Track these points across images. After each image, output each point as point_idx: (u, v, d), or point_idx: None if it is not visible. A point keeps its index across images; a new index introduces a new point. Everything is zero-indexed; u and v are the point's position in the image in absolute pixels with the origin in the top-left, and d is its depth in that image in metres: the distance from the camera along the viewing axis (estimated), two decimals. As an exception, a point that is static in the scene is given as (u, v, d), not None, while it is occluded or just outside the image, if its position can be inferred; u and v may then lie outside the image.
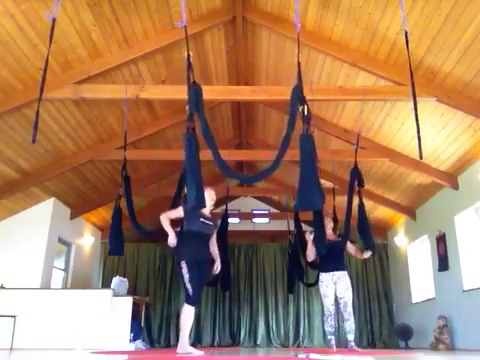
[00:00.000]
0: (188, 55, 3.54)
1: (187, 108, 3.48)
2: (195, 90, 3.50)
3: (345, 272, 5.41)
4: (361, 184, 5.06)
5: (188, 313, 4.04)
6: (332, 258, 5.37)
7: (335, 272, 5.34)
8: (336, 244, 5.39)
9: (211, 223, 4.27)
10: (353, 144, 5.55)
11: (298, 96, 3.35)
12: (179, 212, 4.19)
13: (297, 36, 3.42)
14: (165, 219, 4.13)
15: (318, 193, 3.13)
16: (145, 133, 6.84)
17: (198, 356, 3.67)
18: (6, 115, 5.27)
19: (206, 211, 4.25)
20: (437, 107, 5.41)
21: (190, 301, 4.03)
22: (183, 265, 4.03)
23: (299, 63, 3.39)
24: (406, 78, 4.10)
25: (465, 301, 6.42)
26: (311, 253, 5.48)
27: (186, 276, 3.99)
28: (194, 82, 3.53)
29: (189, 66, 3.56)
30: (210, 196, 4.28)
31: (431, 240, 7.59)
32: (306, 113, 3.30)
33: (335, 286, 5.33)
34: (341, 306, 5.35)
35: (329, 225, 5.58)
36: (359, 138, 5.23)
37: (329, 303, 5.32)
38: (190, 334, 9.15)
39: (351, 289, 5.37)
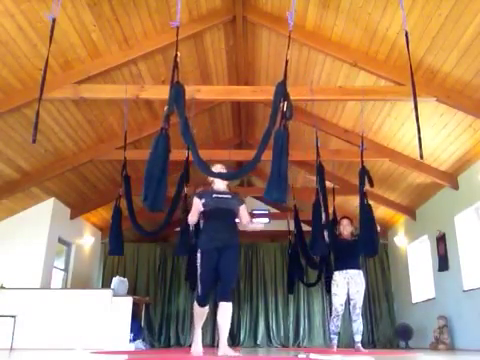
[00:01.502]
0: (175, 55, 3.55)
1: (165, 108, 3.48)
2: (177, 89, 3.52)
3: (359, 271, 5.37)
4: (371, 183, 4.97)
5: (197, 311, 3.71)
6: (346, 257, 5.37)
7: (348, 270, 5.32)
8: (352, 244, 5.39)
9: (228, 196, 3.81)
10: (357, 145, 5.55)
11: (281, 92, 3.36)
12: (197, 205, 3.77)
13: (288, 34, 3.43)
14: (192, 217, 3.77)
15: (283, 190, 3.17)
16: (145, 133, 6.84)
17: (196, 356, 3.62)
18: (6, 115, 5.27)
19: (221, 187, 3.87)
20: (437, 107, 5.41)
21: (198, 300, 3.69)
22: (198, 255, 3.63)
23: (287, 61, 3.41)
24: (406, 78, 4.10)
25: (465, 301, 6.42)
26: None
27: (199, 271, 3.62)
28: (177, 82, 3.54)
29: (175, 66, 3.56)
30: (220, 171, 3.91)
31: (431, 240, 7.59)
32: (285, 109, 3.32)
33: (348, 286, 5.31)
34: (350, 307, 5.35)
35: (347, 228, 5.55)
36: (363, 139, 5.19)
37: (338, 303, 5.30)
38: (189, 333, 9.28)
39: (363, 291, 5.35)
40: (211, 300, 3.87)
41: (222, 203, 3.75)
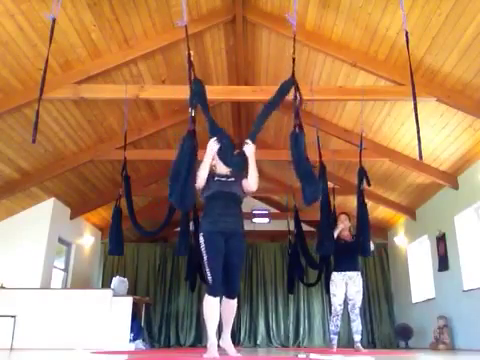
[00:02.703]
0: (189, 54, 3.53)
1: (190, 109, 3.46)
2: (197, 83, 3.49)
3: (358, 273, 5.39)
4: (368, 183, 4.97)
5: (208, 306, 3.24)
6: (346, 258, 5.37)
7: (347, 272, 5.34)
8: (351, 244, 5.39)
9: (231, 179, 3.49)
10: (356, 145, 5.54)
11: (288, 88, 3.40)
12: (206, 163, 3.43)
13: (293, 34, 3.45)
14: (202, 170, 3.41)
15: (319, 185, 3.20)
16: (145, 133, 6.85)
17: (195, 357, 3.55)
18: (6, 115, 5.28)
19: (223, 170, 3.54)
20: (437, 107, 5.41)
21: (210, 290, 3.24)
22: (201, 240, 3.30)
23: (294, 59, 3.43)
24: (406, 78, 4.10)
25: (465, 301, 6.42)
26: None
27: (205, 257, 3.25)
28: (195, 78, 3.53)
29: (190, 64, 3.54)
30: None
31: (431, 240, 7.59)
32: (297, 104, 3.35)
33: (346, 287, 5.32)
34: (349, 307, 5.36)
35: (345, 222, 5.54)
36: (362, 139, 5.19)
37: (337, 303, 5.32)
38: (189, 333, 9.29)
39: (362, 291, 5.36)
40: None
41: (225, 187, 3.43)
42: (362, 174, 4.98)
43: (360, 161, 5.04)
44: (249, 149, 3.44)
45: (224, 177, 3.49)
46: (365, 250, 5.03)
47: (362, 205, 4.95)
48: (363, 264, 9.44)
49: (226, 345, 3.44)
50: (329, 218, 5.09)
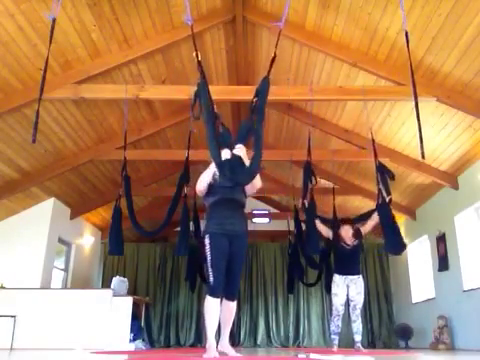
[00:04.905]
0: (196, 54, 3.48)
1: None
2: (199, 84, 3.46)
3: (359, 276, 5.42)
4: (392, 176, 4.66)
5: (209, 306, 3.25)
6: (348, 262, 5.40)
7: (348, 276, 5.37)
8: (353, 250, 5.41)
9: (236, 186, 3.49)
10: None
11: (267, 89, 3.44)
12: (209, 175, 3.43)
13: (278, 31, 3.46)
14: (201, 183, 3.46)
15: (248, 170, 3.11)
16: (145, 133, 6.85)
17: (196, 357, 3.54)
18: (6, 115, 5.28)
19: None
20: (437, 107, 5.41)
21: (211, 291, 3.25)
22: (206, 241, 3.31)
23: (274, 55, 3.43)
24: (406, 78, 4.11)
25: (465, 301, 6.42)
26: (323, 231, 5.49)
27: (208, 257, 3.27)
28: (202, 78, 3.45)
29: (199, 64, 3.46)
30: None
31: (431, 240, 7.59)
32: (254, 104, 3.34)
33: (347, 289, 5.35)
34: (350, 307, 5.39)
35: (349, 232, 5.51)
36: (372, 135, 5.01)
37: (338, 303, 5.33)
38: (189, 333, 9.29)
39: (363, 293, 5.38)
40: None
41: (229, 194, 3.44)
42: (381, 170, 4.66)
43: (375, 157, 4.77)
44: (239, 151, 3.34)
45: (228, 183, 3.43)
46: (396, 249, 4.59)
47: (386, 205, 4.55)
48: (363, 264, 9.45)
49: (225, 348, 3.44)
50: (313, 218, 5.12)
